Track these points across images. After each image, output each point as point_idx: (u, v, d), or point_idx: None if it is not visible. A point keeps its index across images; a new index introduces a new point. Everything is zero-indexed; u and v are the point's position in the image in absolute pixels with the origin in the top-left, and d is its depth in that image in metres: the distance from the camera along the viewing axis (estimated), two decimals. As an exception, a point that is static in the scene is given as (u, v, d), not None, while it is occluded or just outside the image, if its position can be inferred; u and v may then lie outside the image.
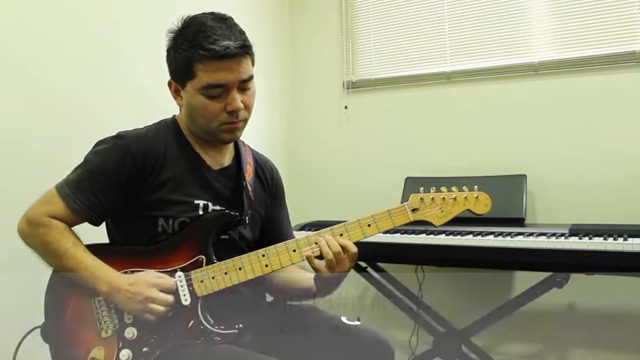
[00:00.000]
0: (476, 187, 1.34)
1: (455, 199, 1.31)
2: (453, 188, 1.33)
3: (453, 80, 2.68)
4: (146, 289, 1.22)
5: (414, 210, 1.31)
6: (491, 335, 2.54)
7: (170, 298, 1.23)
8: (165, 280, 1.25)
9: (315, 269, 1.31)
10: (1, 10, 1.71)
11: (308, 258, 1.29)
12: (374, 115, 2.88)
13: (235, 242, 1.40)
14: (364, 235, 1.30)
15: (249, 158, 1.48)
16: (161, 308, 1.22)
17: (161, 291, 1.23)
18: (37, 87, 1.80)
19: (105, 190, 1.29)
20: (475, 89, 2.62)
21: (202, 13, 1.33)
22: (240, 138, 1.45)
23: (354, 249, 1.29)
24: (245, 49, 1.29)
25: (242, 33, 1.32)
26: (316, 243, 1.29)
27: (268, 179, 1.53)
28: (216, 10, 1.35)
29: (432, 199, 1.31)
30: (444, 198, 1.31)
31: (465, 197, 1.31)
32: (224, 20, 1.31)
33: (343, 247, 1.27)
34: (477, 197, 1.31)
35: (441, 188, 1.33)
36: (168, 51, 1.34)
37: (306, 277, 1.41)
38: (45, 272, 1.34)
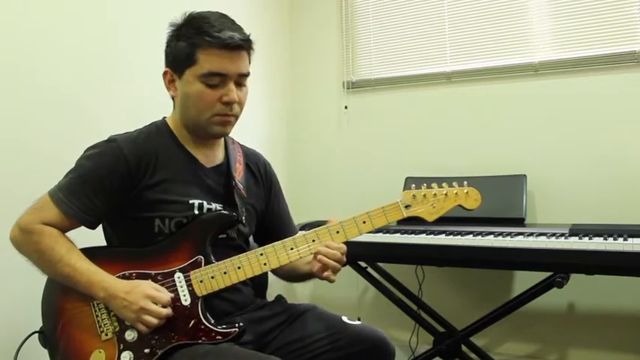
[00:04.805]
0: (465, 182, 1.37)
1: (446, 194, 1.35)
2: (444, 184, 1.36)
3: (453, 80, 2.68)
4: (141, 300, 1.21)
5: (407, 206, 1.34)
6: (491, 335, 2.54)
7: (164, 311, 1.22)
8: (161, 293, 1.24)
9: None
10: (1, 10, 1.71)
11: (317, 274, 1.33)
12: (374, 115, 2.88)
13: (233, 240, 1.41)
14: (360, 232, 1.34)
15: (238, 156, 1.49)
16: (154, 320, 1.21)
17: (156, 304, 1.22)
18: (37, 87, 1.80)
19: (98, 193, 1.29)
20: (475, 89, 2.62)
21: (207, 11, 1.36)
22: (239, 137, 1.45)
23: (343, 249, 1.33)
24: (248, 43, 1.33)
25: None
26: (313, 240, 1.31)
27: (262, 173, 1.54)
28: (215, 10, 1.37)
29: (424, 195, 1.35)
30: (435, 194, 1.35)
31: (456, 193, 1.35)
32: (228, 18, 1.36)
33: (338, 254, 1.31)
34: (467, 193, 1.35)
35: (432, 185, 1.36)
36: (169, 41, 1.36)
37: (303, 262, 1.43)
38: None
